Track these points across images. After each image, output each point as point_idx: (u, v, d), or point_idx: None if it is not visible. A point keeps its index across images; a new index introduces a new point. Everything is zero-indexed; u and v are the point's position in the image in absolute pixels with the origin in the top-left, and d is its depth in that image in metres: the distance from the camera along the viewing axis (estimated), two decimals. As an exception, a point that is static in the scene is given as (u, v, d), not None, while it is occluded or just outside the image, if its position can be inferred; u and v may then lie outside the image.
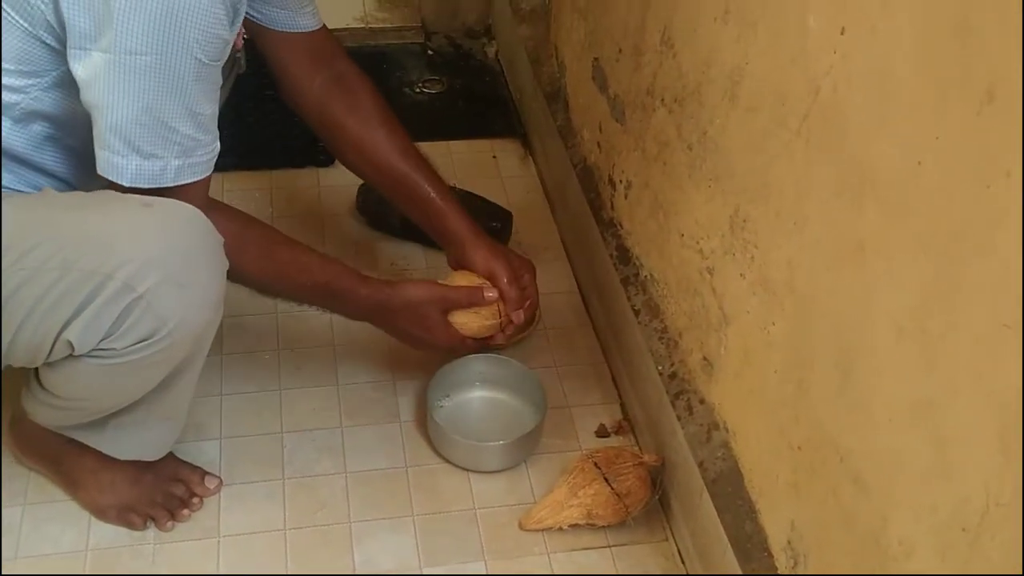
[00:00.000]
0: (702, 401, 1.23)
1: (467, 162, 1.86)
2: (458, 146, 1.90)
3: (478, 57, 2.09)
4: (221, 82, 1.02)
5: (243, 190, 1.73)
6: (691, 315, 1.24)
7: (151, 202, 0.99)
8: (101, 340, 0.98)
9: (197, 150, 1.01)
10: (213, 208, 1.07)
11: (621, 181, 1.44)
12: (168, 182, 1.00)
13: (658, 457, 1.30)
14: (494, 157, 1.88)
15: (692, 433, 1.22)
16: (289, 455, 1.36)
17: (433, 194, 1.31)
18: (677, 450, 1.25)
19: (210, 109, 1.01)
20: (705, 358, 1.21)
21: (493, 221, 1.67)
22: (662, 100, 1.26)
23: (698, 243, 1.19)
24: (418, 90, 2.01)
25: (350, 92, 1.29)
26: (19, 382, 1.17)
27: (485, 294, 1.27)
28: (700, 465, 1.19)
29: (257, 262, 1.14)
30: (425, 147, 1.73)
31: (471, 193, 1.69)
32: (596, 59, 1.49)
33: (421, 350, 1.33)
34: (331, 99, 1.28)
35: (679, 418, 1.24)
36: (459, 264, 1.33)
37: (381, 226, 1.69)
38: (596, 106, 1.51)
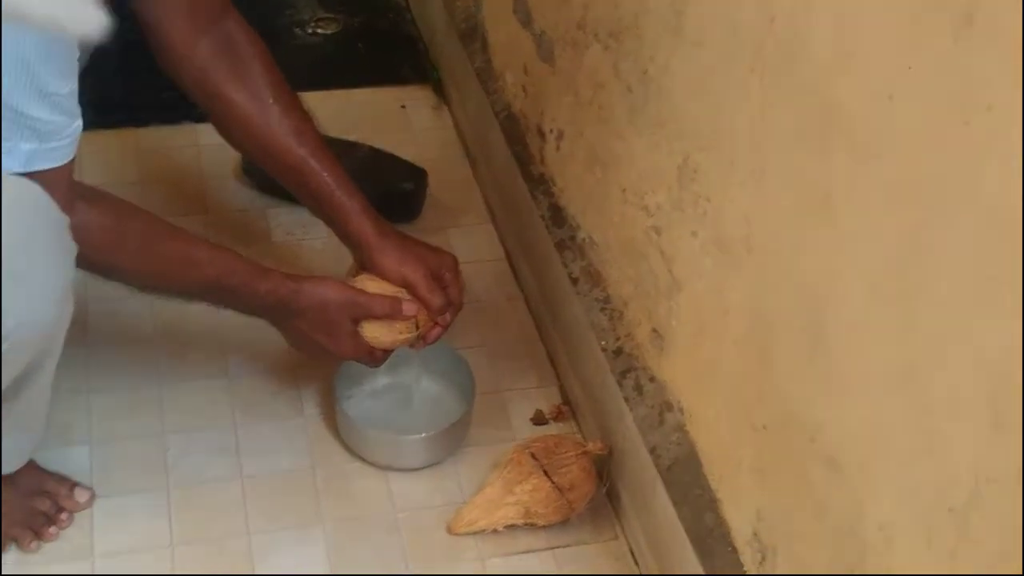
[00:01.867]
0: (652, 379, 1.24)
1: (371, 114, 1.83)
2: (360, 95, 1.87)
3: (379, -10, 2.07)
4: (78, 54, 0.98)
5: (99, 152, 1.67)
6: (637, 282, 1.25)
7: None
8: None
9: (55, 134, 0.97)
10: (81, 197, 1.02)
11: (552, 131, 1.43)
12: (18, 167, 0.96)
13: (604, 444, 1.31)
14: (403, 107, 1.86)
15: (642, 416, 1.23)
16: (174, 459, 1.33)
17: (332, 186, 1.27)
18: (625, 436, 1.26)
19: (67, 87, 0.97)
20: (654, 330, 1.22)
21: (404, 182, 1.65)
22: (596, 35, 1.25)
23: (642, 199, 1.19)
24: (310, 31, 1.97)
25: (239, 60, 1.25)
26: None
27: (404, 307, 1.24)
28: (652, 451, 1.20)
29: (136, 259, 1.11)
30: (321, 97, 1.70)
31: (378, 150, 1.67)
32: (519, -11, 1.48)
33: (318, 359, 1.31)
34: (217, 69, 1.24)
35: (627, 399, 1.25)
36: (366, 269, 1.30)
37: (272, 189, 1.66)
38: (520, 44, 1.50)
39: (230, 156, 1.70)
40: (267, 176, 1.63)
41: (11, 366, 1.01)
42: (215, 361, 1.44)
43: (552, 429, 1.41)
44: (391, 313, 1.24)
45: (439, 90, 1.88)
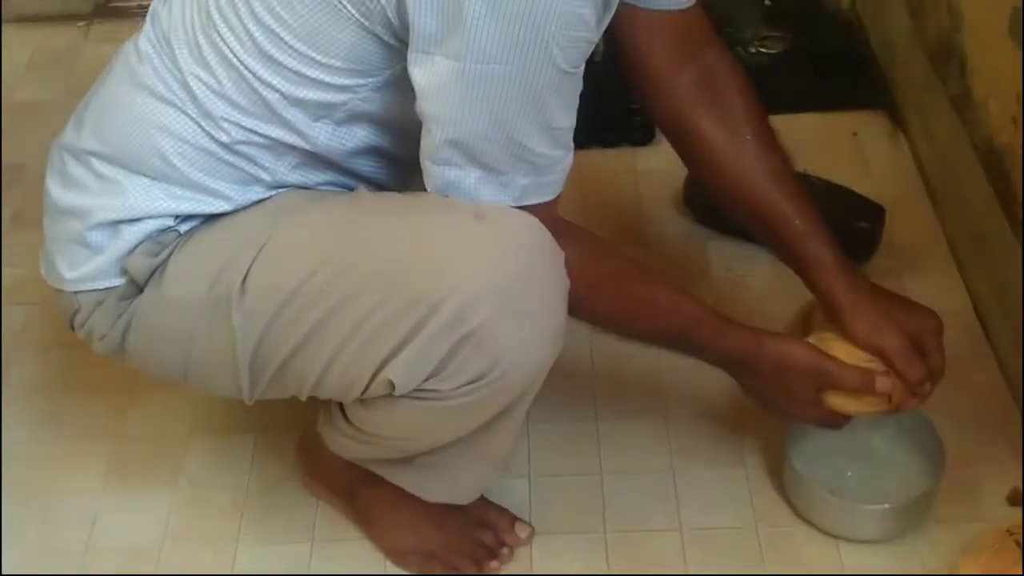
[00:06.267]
0: None
1: (819, 141, 1.78)
2: (807, 121, 1.82)
3: (829, 7, 2.02)
4: (581, 89, 1.01)
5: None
6: None
7: (484, 212, 1.00)
8: (425, 380, 1.00)
9: (549, 168, 1.01)
10: (560, 233, 1.04)
11: (1051, 170, 1.33)
12: (510, 201, 1.01)
13: (1104, 539, 1.19)
14: (854, 134, 1.81)
15: None
16: (610, 500, 1.35)
17: (805, 235, 1.22)
18: None
19: (567, 122, 1.01)
20: None
21: (861, 221, 1.59)
22: None
23: None
24: (754, 50, 1.95)
25: (719, 93, 1.23)
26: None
27: (878, 382, 1.16)
28: None
29: (605, 300, 1.12)
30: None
31: (831, 183, 1.62)
32: (1017, 8, 1.38)
33: (771, 413, 1.27)
34: (696, 102, 1.22)
35: None
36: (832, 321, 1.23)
37: (713, 223, 1.65)
38: (1013, 69, 1.40)
39: (669, 184, 1.72)
40: (709, 208, 1.63)
41: (495, 403, 1.06)
42: (652, 398, 1.45)
43: (1032, 512, 1.31)
44: (862, 387, 1.17)
45: (895, 117, 1.80)
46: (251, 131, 1.06)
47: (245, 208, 1.09)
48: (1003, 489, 1.33)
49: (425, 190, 1.04)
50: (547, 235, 1.01)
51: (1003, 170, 1.45)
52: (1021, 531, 1.20)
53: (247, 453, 1.42)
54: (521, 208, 1.01)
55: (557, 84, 0.96)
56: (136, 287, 1.09)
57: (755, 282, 1.59)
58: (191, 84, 1.05)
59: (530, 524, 1.31)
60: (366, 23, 0.98)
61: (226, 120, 1.05)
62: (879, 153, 1.77)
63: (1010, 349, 1.43)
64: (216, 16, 1.03)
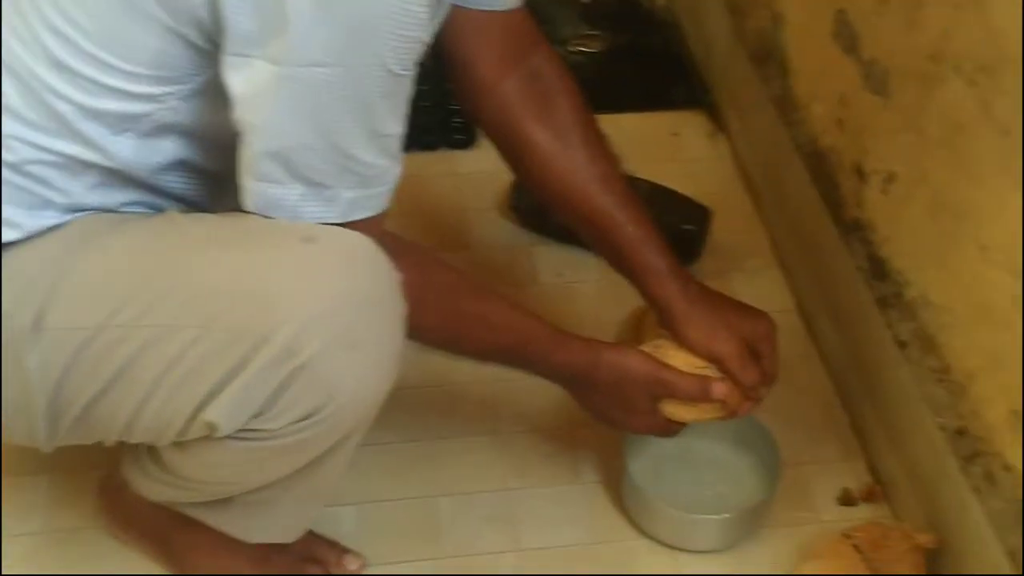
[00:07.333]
0: (1007, 468, 1.12)
1: (639, 141, 1.76)
2: (627, 121, 1.79)
3: (644, 5, 2.01)
4: (410, 94, 0.94)
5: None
6: (993, 354, 1.13)
7: (313, 234, 0.92)
8: (250, 419, 0.92)
9: (377, 179, 0.95)
10: (388, 248, 0.97)
11: (877, 171, 1.33)
12: (336, 217, 0.93)
13: (934, 537, 1.20)
14: (675, 134, 1.79)
15: (997, 511, 1.11)
16: (443, 524, 1.29)
17: (637, 242, 1.20)
18: (969, 531, 1.15)
19: (396, 129, 0.94)
20: (1015, 412, 1.10)
21: (686, 223, 1.58)
22: (956, 69, 1.15)
23: (1014, 261, 1.08)
24: (572, 49, 1.92)
25: (547, 98, 1.19)
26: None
27: (713, 389, 1.14)
28: (1010, 554, 1.09)
29: (437, 318, 1.06)
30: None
31: (657, 185, 1.60)
32: (841, 11, 1.38)
33: (606, 426, 1.24)
34: (521, 105, 1.18)
35: (977, 489, 1.14)
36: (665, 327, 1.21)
37: (539, 227, 1.62)
38: (838, 72, 1.40)
39: (492, 188, 1.67)
40: (535, 211, 1.60)
41: (327, 439, 0.99)
42: (484, 416, 1.40)
43: (862, 512, 1.31)
44: (699, 395, 1.15)
45: (714, 116, 1.80)
46: (41, 148, 0.94)
47: (37, 236, 0.97)
48: (833, 490, 1.34)
49: (241, 208, 0.95)
50: (382, 257, 0.94)
51: (827, 171, 1.45)
52: (858, 534, 1.21)
53: (40, 497, 1.29)
54: (347, 224, 0.95)
55: (387, 88, 0.89)
56: None
57: (585, 287, 1.56)
58: None
59: (360, 555, 1.25)
60: (172, 24, 0.89)
61: (11, 137, 0.93)
62: (700, 153, 1.77)
63: (834, 349, 1.44)
64: None
